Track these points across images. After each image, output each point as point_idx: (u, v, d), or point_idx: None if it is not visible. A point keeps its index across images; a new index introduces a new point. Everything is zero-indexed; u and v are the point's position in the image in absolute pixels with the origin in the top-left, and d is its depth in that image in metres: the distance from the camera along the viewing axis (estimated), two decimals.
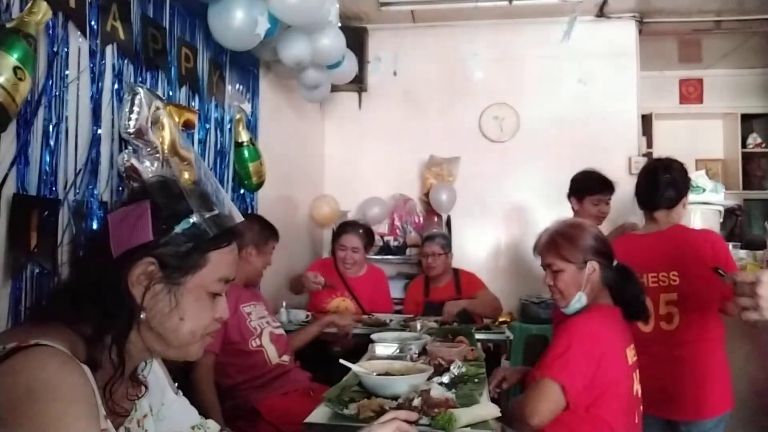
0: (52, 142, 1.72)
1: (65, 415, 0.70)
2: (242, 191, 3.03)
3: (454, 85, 4.39)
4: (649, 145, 5.11)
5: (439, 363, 1.82)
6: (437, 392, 1.46)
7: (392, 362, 1.77)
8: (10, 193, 1.57)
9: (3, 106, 1.40)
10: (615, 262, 1.74)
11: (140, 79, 2.16)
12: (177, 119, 2.23)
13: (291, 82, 3.54)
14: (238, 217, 0.96)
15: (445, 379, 1.67)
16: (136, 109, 1.97)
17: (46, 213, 1.67)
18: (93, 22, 1.90)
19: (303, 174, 4.17)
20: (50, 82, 1.72)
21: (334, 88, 3.62)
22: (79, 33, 1.84)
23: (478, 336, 2.59)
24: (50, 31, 1.71)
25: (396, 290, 3.85)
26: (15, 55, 1.42)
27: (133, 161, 1.97)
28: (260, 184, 3.03)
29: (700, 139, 5.49)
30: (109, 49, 1.99)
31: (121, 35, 2.04)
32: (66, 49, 1.78)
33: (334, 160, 4.60)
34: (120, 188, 2.01)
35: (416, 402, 1.41)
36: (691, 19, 4.25)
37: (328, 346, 2.84)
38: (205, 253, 0.90)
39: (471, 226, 4.37)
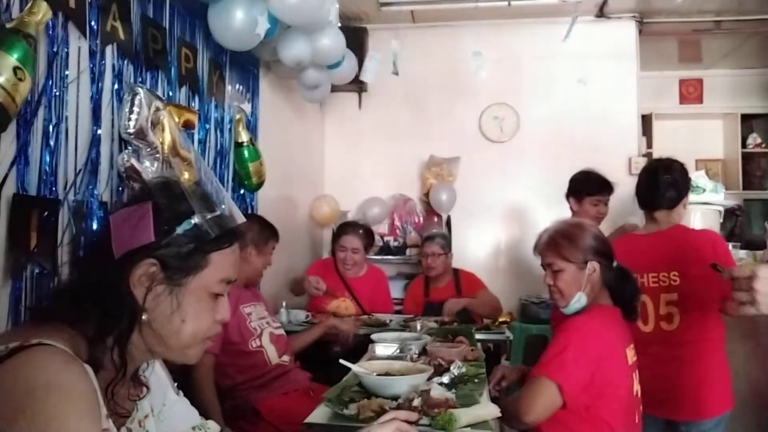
0: (52, 143, 1.72)
1: (67, 414, 0.70)
2: (242, 191, 3.03)
3: (454, 85, 4.38)
4: (649, 145, 5.11)
5: (439, 363, 1.82)
6: (437, 392, 1.46)
7: (392, 362, 1.78)
8: (10, 193, 1.56)
9: (3, 106, 1.40)
10: (615, 263, 1.74)
11: (140, 79, 2.15)
12: (177, 119, 2.23)
13: (291, 82, 3.54)
14: (240, 218, 0.96)
15: (445, 379, 1.67)
16: (136, 109, 1.97)
17: (46, 213, 1.67)
18: (93, 22, 1.90)
19: (303, 174, 4.16)
20: (50, 83, 1.72)
21: (334, 88, 3.61)
22: (79, 33, 1.84)
23: (478, 336, 2.59)
24: (50, 31, 1.71)
25: (396, 290, 3.85)
26: (15, 55, 1.42)
27: (133, 161, 1.97)
28: (260, 184, 3.03)
29: (700, 139, 5.48)
30: (109, 50, 1.99)
31: (121, 35, 2.04)
32: (66, 50, 1.78)
33: (334, 160, 4.59)
34: (120, 188, 2.01)
35: (416, 402, 1.41)
36: (690, 19, 4.24)
37: (328, 346, 2.83)
38: (207, 254, 0.90)
39: (471, 226, 4.37)
